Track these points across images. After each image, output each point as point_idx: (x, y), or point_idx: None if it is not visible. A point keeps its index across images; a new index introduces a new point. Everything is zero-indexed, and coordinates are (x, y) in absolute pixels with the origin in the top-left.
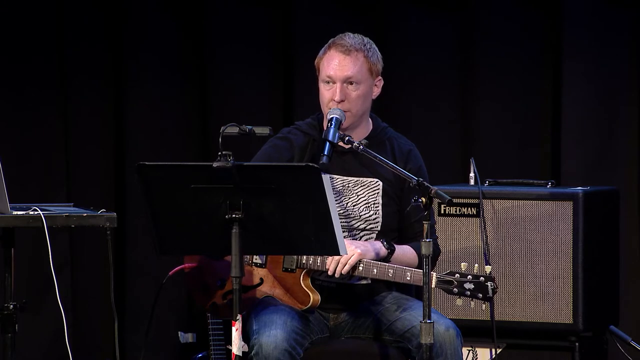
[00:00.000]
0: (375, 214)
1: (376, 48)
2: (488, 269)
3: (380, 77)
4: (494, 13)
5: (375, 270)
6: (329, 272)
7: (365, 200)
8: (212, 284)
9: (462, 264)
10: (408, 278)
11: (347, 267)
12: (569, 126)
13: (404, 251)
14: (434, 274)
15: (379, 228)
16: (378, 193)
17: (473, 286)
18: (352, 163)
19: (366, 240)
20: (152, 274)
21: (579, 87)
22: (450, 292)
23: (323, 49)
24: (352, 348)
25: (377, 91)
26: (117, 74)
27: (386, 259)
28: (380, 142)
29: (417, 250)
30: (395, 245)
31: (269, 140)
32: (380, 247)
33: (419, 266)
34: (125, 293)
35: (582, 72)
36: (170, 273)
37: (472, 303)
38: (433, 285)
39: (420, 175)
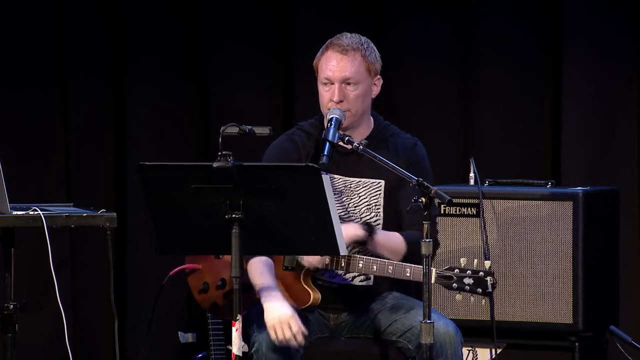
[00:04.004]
0: (376, 215)
1: (374, 47)
2: (487, 264)
3: (379, 76)
4: (494, 13)
5: (375, 267)
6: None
7: (366, 201)
8: (212, 283)
9: (461, 259)
10: (408, 274)
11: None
12: (569, 126)
13: (388, 235)
14: (434, 269)
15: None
16: (380, 194)
17: (472, 281)
18: (354, 164)
19: None
20: (153, 274)
21: (579, 87)
22: (450, 288)
23: (321, 50)
24: (352, 348)
25: (376, 90)
26: (117, 74)
27: (366, 242)
28: (382, 140)
29: (406, 236)
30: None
31: (273, 144)
32: (356, 227)
33: (409, 253)
34: (125, 293)
35: (582, 72)
36: (170, 273)
37: (472, 298)
38: (432, 281)
39: (422, 168)
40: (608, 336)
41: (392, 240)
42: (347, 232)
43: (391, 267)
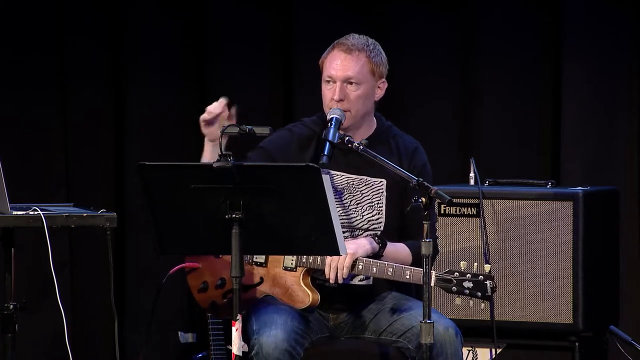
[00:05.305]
0: (379, 214)
1: (381, 50)
2: (487, 267)
3: (384, 80)
4: (494, 13)
5: (375, 269)
6: (332, 281)
7: (369, 199)
8: (212, 283)
9: (461, 262)
10: (407, 277)
11: (345, 271)
12: (569, 126)
13: (397, 247)
14: (433, 272)
15: (381, 228)
16: (382, 193)
17: (472, 285)
18: (357, 162)
19: None
20: (152, 274)
21: (578, 87)
22: (449, 291)
23: (328, 49)
24: (352, 348)
25: (380, 93)
26: (117, 74)
27: (378, 253)
28: (384, 141)
29: (412, 248)
30: (388, 242)
31: (272, 134)
32: (371, 240)
33: (415, 265)
34: (125, 293)
35: (582, 72)
36: (170, 272)
37: (471, 302)
38: (432, 284)
39: (423, 173)
40: (608, 336)
41: (400, 253)
42: (362, 244)
43: (391, 270)
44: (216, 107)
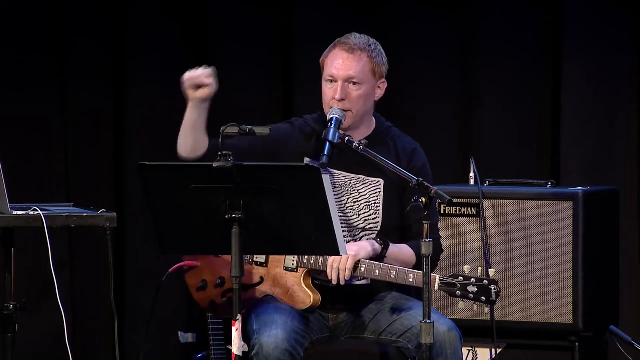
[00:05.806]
0: (376, 213)
1: (382, 50)
2: (492, 272)
3: (384, 80)
4: (494, 13)
5: (377, 271)
6: (334, 282)
7: (366, 199)
8: (211, 281)
9: (465, 267)
10: (411, 280)
11: (348, 273)
12: (569, 126)
13: (400, 248)
14: (437, 276)
15: (378, 228)
16: (379, 193)
17: (476, 289)
18: (356, 161)
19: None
20: (152, 274)
21: (578, 87)
22: (453, 295)
23: (329, 47)
24: (352, 348)
25: (380, 93)
26: (117, 74)
27: (381, 254)
28: (383, 141)
29: (415, 249)
30: (392, 243)
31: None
32: (372, 242)
33: (418, 265)
34: (125, 293)
35: (582, 72)
36: (169, 270)
37: (475, 306)
38: (436, 288)
39: (423, 174)
40: (608, 336)
41: (404, 254)
42: (363, 247)
43: (394, 272)
44: (207, 75)
